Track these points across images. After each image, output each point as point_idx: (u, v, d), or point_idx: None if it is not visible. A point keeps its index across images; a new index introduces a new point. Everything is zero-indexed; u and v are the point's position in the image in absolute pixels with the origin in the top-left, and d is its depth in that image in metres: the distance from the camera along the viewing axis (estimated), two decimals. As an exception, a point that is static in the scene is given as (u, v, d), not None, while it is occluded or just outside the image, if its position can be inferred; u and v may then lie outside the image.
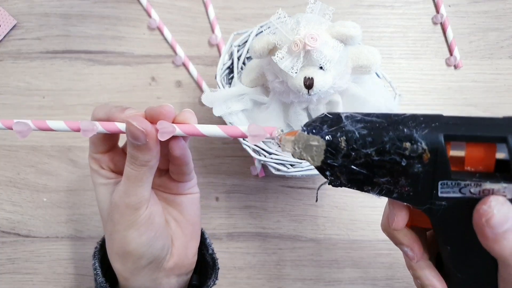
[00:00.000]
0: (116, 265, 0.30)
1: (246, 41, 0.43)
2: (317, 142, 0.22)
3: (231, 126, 0.26)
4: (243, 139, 0.40)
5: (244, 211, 0.49)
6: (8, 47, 0.52)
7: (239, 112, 0.41)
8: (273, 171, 0.39)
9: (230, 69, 0.43)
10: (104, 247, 0.32)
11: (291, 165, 0.40)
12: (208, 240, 0.36)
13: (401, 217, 0.25)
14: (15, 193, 0.49)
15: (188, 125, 0.26)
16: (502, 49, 0.52)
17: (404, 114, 0.22)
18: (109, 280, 0.31)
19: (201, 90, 0.51)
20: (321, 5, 0.36)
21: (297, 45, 0.33)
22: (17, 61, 0.52)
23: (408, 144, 0.21)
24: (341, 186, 0.23)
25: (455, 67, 0.52)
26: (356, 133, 0.22)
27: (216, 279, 0.33)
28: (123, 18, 0.53)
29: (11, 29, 0.52)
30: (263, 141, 0.41)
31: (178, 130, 0.26)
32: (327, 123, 0.22)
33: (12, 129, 0.28)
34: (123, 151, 0.32)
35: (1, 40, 0.52)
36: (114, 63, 0.52)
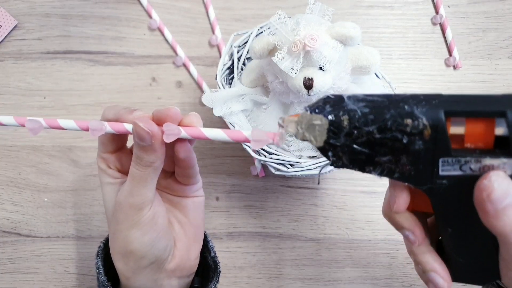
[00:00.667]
0: (118, 264, 0.30)
1: (246, 42, 0.43)
2: (320, 121, 0.22)
3: (234, 130, 0.26)
4: (243, 139, 0.40)
5: (244, 210, 0.49)
6: (9, 48, 0.52)
7: (239, 112, 0.41)
8: (273, 171, 0.40)
9: (230, 70, 0.43)
10: (108, 246, 0.32)
11: (291, 165, 0.40)
12: (210, 243, 0.36)
13: (402, 199, 0.25)
14: (16, 193, 0.49)
15: (193, 128, 0.26)
16: (501, 50, 0.52)
17: (405, 94, 0.23)
18: (111, 279, 0.31)
19: (202, 91, 0.51)
20: (321, 6, 0.36)
21: (297, 46, 0.34)
22: (18, 62, 0.52)
23: (409, 121, 0.21)
24: (343, 167, 0.23)
25: (454, 67, 0.52)
26: (358, 111, 0.22)
27: (217, 282, 0.33)
28: (124, 18, 0.53)
29: (12, 30, 0.52)
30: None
31: (183, 132, 0.26)
32: (330, 103, 0.23)
33: (24, 126, 0.28)
34: (131, 151, 0.32)
35: (2, 40, 0.52)
36: (115, 63, 0.52)
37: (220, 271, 0.34)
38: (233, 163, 0.50)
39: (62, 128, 0.28)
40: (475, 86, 0.52)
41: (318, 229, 0.48)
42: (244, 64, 0.44)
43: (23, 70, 0.52)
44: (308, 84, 0.35)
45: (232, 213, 0.49)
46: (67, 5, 0.54)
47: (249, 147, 0.40)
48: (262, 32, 0.43)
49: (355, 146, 0.22)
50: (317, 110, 0.23)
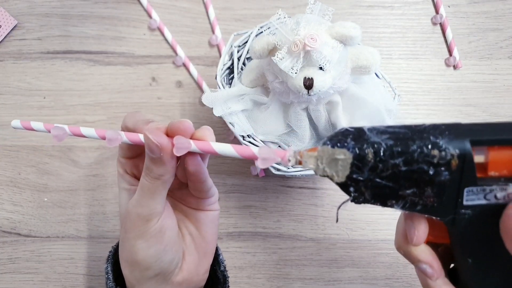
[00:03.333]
0: (125, 271, 0.30)
1: (246, 42, 0.43)
2: (343, 156, 0.22)
3: (243, 146, 0.25)
4: (243, 139, 0.40)
5: (244, 210, 0.49)
6: (9, 48, 0.52)
7: (239, 112, 0.41)
8: (273, 171, 0.40)
9: (230, 70, 0.43)
10: (118, 252, 0.32)
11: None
12: (221, 257, 0.35)
13: (422, 231, 0.24)
14: (16, 193, 0.49)
15: (203, 142, 0.26)
16: (501, 50, 0.52)
17: (424, 124, 0.22)
18: (120, 284, 0.31)
19: (202, 91, 0.51)
20: (321, 6, 0.36)
21: (297, 46, 0.34)
22: (18, 61, 0.52)
23: (436, 152, 0.21)
24: (364, 203, 0.23)
25: (455, 67, 0.52)
26: (383, 143, 0.21)
27: None
28: (124, 18, 0.53)
29: (12, 30, 0.52)
30: (263, 141, 0.41)
31: (193, 146, 0.26)
32: (351, 136, 0.22)
33: (49, 132, 0.29)
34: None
35: (2, 40, 0.52)
36: (115, 63, 0.52)
37: (228, 286, 0.34)
38: (233, 163, 0.50)
39: (84, 136, 0.28)
40: (475, 86, 0.52)
41: (318, 229, 0.48)
42: (244, 64, 0.44)
43: (23, 70, 0.52)
44: (308, 84, 0.35)
45: (232, 213, 0.49)
46: (67, 5, 0.54)
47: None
48: (262, 32, 0.43)
49: (379, 180, 0.22)
50: (339, 144, 0.22)
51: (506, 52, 0.52)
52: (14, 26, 0.52)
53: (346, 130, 0.23)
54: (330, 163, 0.22)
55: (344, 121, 0.39)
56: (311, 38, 0.33)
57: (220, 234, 0.48)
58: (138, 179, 0.30)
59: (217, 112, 0.39)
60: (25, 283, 0.47)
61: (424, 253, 0.25)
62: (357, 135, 0.22)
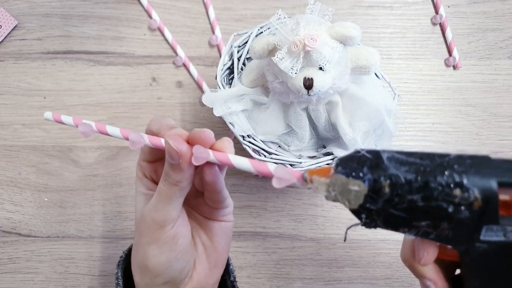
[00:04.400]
0: (135, 276, 0.30)
1: (246, 42, 0.43)
2: (358, 187, 0.20)
3: (260, 162, 0.25)
4: (243, 139, 0.40)
5: (244, 210, 0.49)
6: (9, 48, 0.52)
7: (239, 112, 0.41)
8: (273, 171, 0.40)
9: (230, 70, 0.43)
10: (129, 257, 0.32)
11: (291, 165, 0.40)
12: (231, 267, 0.35)
13: (431, 254, 0.24)
14: (16, 193, 0.49)
15: (221, 153, 0.26)
16: (501, 50, 0.52)
17: (449, 155, 0.21)
18: None
19: (202, 91, 0.52)
20: (321, 6, 0.36)
21: (296, 46, 0.34)
22: (18, 62, 0.52)
23: (458, 192, 0.20)
24: (375, 228, 0.22)
25: (454, 67, 0.52)
26: (402, 177, 0.20)
27: None
28: (124, 19, 0.53)
29: (12, 30, 0.52)
30: (263, 141, 0.41)
31: (212, 156, 0.26)
32: (367, 164, 0.21)
33: (77, 126, 0.29)
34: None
35: (2, 40, 0.52)
36: (115, 63, 0.52)
37: None
38: (233, 163, 0.50)
39: (108, 135, 0.29)
40: (475, 86, 0.52)
41: (318, 229, 0.48)
42: (244, 64, 0.44)
43: (23, 70, 0.52)
44: (308, 84, 0.35)
45: (232, 213, 0.49)
46: (67, 5, 0.54)
47: (248, 146, 0.40)
48: (262, 32, 0.43)
49: (393, 211, 0.21)
50: (354, 174, 0.21)
51: (505, 52, 0.52)
52: (15, 26, 0.52)
53: (363, 155, 0.21)
54: (343, 191, 0.21)
55: (344, 121, 0.39)
56: (311, 38, 0.33)
57: (220, 234, 0.48)
58: (157, 184, 0.31)
59: (217, 112, 0.39)
60: (25, 283, 0.47)
61: (431, 271, 0.25)
62: (374, 163, 0.21)
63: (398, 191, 0.20)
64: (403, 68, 0.52)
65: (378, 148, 0.22)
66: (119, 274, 0.32)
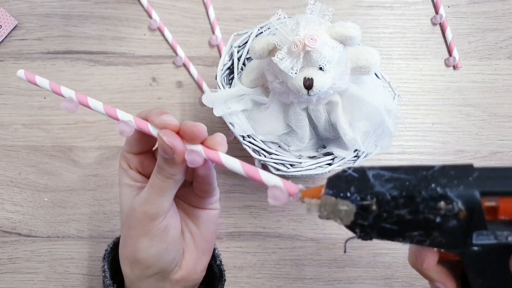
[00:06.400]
0: (125, 268, 0.30)
1: (246, 42, 0.43)
2: (347, 207, 0.22)
3: (252, 167, 0.26)
4: (243, 139, 0.40)
5: (244, 210, 0.49)
6: (9, 48, 0.52)
7: (239, 112, 0.41)
8: (273, 171, 0.40)
9: (230, 70, 0.43)
10: (114, 249, 0.32)
11: (291, 165, 0.40)
12: (217, 251, 0.35)
13: (432, 258, 0.25)
14: (16, 193, 0.49)
15: (214, 152, 0.26)
16: (501, 50, 0.52)
17: (433, 167, 0.22)
18: (117, 282, 0.31)
19: (202, 91, 0.52)
20: (321, 6, 0.36)
21: (296, 46, 0.34)
22: (18, 62, 0.52)
23: (442, 204, 0.21)
24: (371, 240, 0.23)
25: (454, 67, 0.52)
26: (387, 194, 0.21)
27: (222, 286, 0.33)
28: (124, 19, 0.53)
29: (12, 30, 0.52)
30: (263, 141, 0.41)
31: (203, 154, 0.26)
32: (354, 183, 0.22)
33: (53, 91, 0.29)
34: (153, 155, 0.32)
35: (2, 40, 0.52)
36: (115, 63, 0.52)
37: (225, 280, 0.34)
38: (233, 163, 0.50)
39: (91, 108, 0.29)
40: (475, 86, 0.52)
41: (318, 229, 0.48)
42: (244, 64, 0.44)
43: (24, 70, 0.52)
44: (308, 84, 0.35)
45: (232, 213, 0.49)
46: (67, 5, 0.54)
47: (248, 146, 0.40)
48: (262, 32, 0.43)
49: (384, 224, 0.22)
50: (341, 194, 0.22)
51: (505, 52, 0.52)
52: (15, 26, 0.52)
53: (350, 174, 0.22)
54: (334, 211, 0.22)
55: (344, 121, 0.39)
56: (311, 38, 0.33)
57: (220, 234, 0.48)
58: (143, 175, 0.31)
59: (217, 112, 0.39)
60: (25, 283, 0.47)
61: (438, 273, 0.25)
62: (361, 181, 0.22)
63: (385, 208, 0.21)
64: (403, 68, 0.52)
65: (364, 165, 0.23)
66: (106, 267, 0.32)
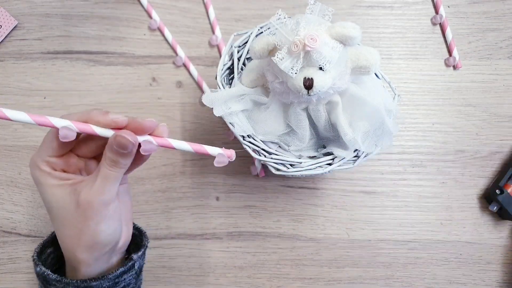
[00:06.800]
0: (82, 255, 0.32)
1: (246, 42, 0.43)
2: None
3: (198, 144, 0.32)
4: (243, 139, 0.40)
5: (244, 210, 0.49)
6: (9, 48, 0.52)
7: (239, 112, 0.41)
8: (273, 171, 0.40)
9: (231, 70, 0.43)
10: (42, 253, 0.34)
11: (291, 165, 0.40)
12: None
13: None
14: (16, 193, 0.49)
15: (163, 139, 0.31)
16: (501, 50, 0.52)
17: None
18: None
19: (202, 91, 0.52)
20: (321, 6, 0.36)
21: (296, 46, 0.34)
22: (18, 62, 0.52)
23: None
24: None
25: (454, 67, 0.52)
26: None
27: (147, 240, 0.38)
28: (124, 19, 0.53)
29: (12, 30, 0.52)
30: (263, 141, 0.41)
31: (155, 143, 0.31)
32: None
33: None
34: (72, 152, 0.34)
35: (2, 40, 0.52)
36: (115, 63, 0.52)
37: (145, 232, 0.38)
38: (233, 163, 0.49)
39: (10, 119, 0.31)
40: (475, 86, 0.52)
41: (318, 229, 0.48)
42: (244, 64, 0.44)
43: (24, 70, 0.52)
44: (308, 84, 0.35)
45: (232, 213, 0.49)
46: (67, 5, 0.54)
47: (248, 146, 0.40)
48: (262, 32, 0.43)
49: None
50: None
51: (505, 52, 0.52)
52: (15, 26, 0.52)
53: None
54: None
55: (344, 121, 0.39)
56: (311, 38, 0.33)
57: (220, 234, 0.48)
58: (68, 172, 0.33)
59: (217, 112, 0.39)
60: (25, 283, 0.47)
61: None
62: None
63: None
64: (403, 68, 0.52)
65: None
66: (43, 269, 0.33)
